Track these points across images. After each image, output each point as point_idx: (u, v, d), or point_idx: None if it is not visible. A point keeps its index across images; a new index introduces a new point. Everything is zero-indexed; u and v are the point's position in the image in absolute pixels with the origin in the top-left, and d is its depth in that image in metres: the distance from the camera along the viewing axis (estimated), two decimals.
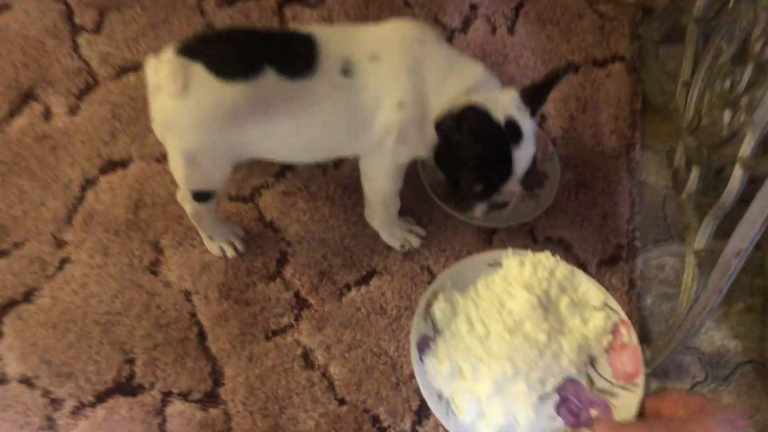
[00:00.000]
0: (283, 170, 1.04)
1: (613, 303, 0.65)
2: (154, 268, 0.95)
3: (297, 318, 0.94)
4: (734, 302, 1.01)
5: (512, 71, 1.15)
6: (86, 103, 1.06)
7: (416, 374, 0.62)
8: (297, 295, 0.95)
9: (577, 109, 1.12)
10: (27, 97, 1.06)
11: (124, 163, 1.02)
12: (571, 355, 0.63)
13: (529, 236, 1.02)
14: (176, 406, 0.87)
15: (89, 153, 1.02)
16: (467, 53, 0.95)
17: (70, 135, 1.03)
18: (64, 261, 0.95)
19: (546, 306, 0.65)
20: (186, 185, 0.83)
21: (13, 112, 1.05)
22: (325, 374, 0.90)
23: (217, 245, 0.95)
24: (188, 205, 0.89)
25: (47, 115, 1.05)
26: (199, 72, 0.74)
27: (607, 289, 0.91)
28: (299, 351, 0.91)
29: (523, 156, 0.83)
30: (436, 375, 0.63)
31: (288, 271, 0.97)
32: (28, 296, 0.92)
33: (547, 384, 0.62)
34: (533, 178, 1.04)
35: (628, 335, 0.64)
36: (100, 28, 1.13)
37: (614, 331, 0.65)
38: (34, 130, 1.03)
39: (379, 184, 0.89)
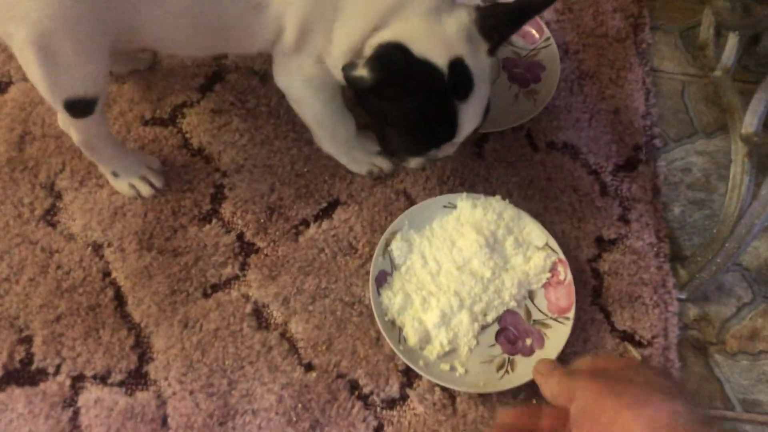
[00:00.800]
0: (211, 83, 0.81)
1: (553, 243, 0.73)
2: (50, 218, 0.73)
3: (243, 267, 0.73)
4: None
5: None
6: None
7: (373, 305, 0.69)
8: (240, 237, 0.74)
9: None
10: None
11: (1, 87, 0.79)
12: (512, 290, 0.71)
13: (528, 142, 0.82)
14: (92, 393, 0.67)
15: None
16: None
17: None
18: None
19: (492, 245, 0.72)
20: (52, 94, 0.60)
21: None
22: (284, 334, 0.70)
23: (126, 182, 0.73)
24: (72, 131, 0.66)
25: None
26: None
27: (628, 199, 0.75)
28: (249, 308, 0.71)
29: (471, 114, 0.64)
30: (390, 306, 0.70)
31: (226, 209, 0.75)
32: None
33: (489, 315, 0.71)
34: (527, 71, 0.84)
35: (564, 273, 0.72)
36: None
37: (552, 269, 0.73)
38: None
39: (304, 107, 0.68)
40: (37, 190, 0.74)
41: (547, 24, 0.88)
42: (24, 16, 0.54)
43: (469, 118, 0.63)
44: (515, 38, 0.86)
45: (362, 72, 0.57)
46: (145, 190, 0.74)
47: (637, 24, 0.90)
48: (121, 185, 0.74)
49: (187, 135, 0.79)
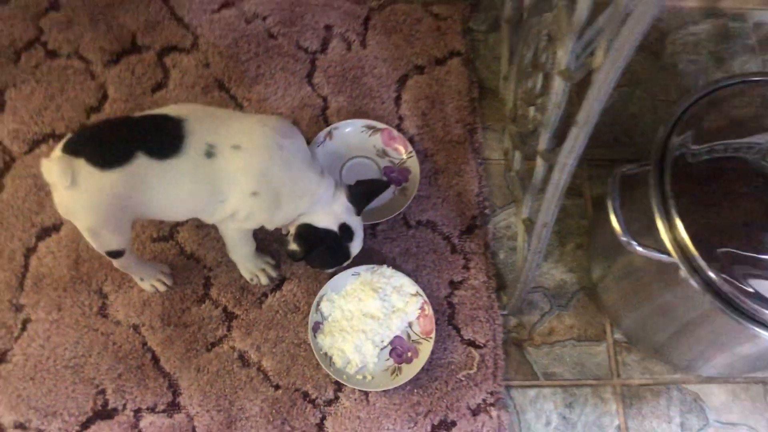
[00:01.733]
0: None
1: (420, 291, 1.17)
2: (103, 312, 1.16)
3: (228, 328, 1.17)
4: (567, 243, 1.30)
5: (370, 82, 1.37)
6: (8, 179, 1.22)
7: (312, 345, 1.13)
8: (225, 310, 1.18)
9: (427, 106, 1.36)
10: None
11: (56, 227, 1.20)
12: (398, 323, 1.16)
13: (404, 223, 1.27)
14: (147, 419, 1.10)
15: (23, 224, 1.19)
16: (316, 161, 1.08)
17: (2, 212, 1.20)
18: (25, 322, 1.14)
19: (383, 297, 1.17)
20: (99, 250, 1.03)
21: None
22: (260, 368, 1.15)
23: (148, 283, 1.16)
24: (113, 261, 1.09)
25: None
26: (82, 166, 0.91)
27: (469, 253, 1.21)
28: (236, 354, 1.15)
29: (356, 245, 1.11)
30: (322, 344, 1.14)
31: (214, 292, 1.19)
32: (2, 357, 1.12)
33: (384, 341, 1.16)
34: (400, 174, 1.28)
35: (428, 309, 1.17)
36: (3, 108, 1.28)
37: (421, 307, 1.18)
38: None
39: (231, 243, 1.12)
40: (92, 295, 1.16)
41: (411, 139, 1.32)
42: (80, 219, 0.95)
43: (355, 248, 1.10)
44: (391, 152, 1.30)
45: (293, 247, 1.04)
46: (161, 287, 1.17)
47: (472, 129, 1.35)
48: (145, 285, 1.16)
49: (182, 245, 1.22)
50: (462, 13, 1.45)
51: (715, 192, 1.01)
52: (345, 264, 1.14)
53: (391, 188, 1.27)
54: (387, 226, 1.26)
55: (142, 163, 0.93)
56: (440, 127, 1.35)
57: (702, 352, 1.15)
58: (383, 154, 1.30)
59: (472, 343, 1.19)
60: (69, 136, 0.94)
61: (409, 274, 1.20)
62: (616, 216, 0.99)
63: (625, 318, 1.22)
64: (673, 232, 0.98)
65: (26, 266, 1.17)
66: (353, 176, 1.26)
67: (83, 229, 0.98)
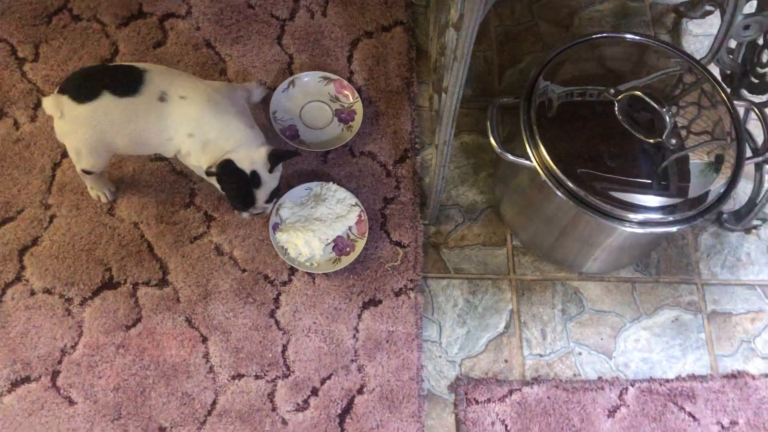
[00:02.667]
0: None
1: (359, 202, 1.49)
2: (111, 212, 1.50)
3: (208, 227, 1.50)
4: (480, 172, 1.63)
5: (328, 44, 1.71)
6: (40, 112, 1.57)
7: (272, 240, 1.43)
8: (205, 213, 1.51)
9: (373, 64, 1.69)
10: (0, 114, 1.56)
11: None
12: (339, 226, 1.48)
13: (350, 153, 1.60)
14: (142, 290, 1.44)
15: (51, 145, 1.54)
16: (244, 117, 1.36)
17: (35, 135, 1.55)
18: (52, 217, 1.48)
19: (329, 207, 1.50)
20: (77, 167, 1.36)
21: None
22: (231, 257, 1.48)
23: (95, 192, 1.48)
24: (81, 175, 1.42)
25: (16, 124, 1.56)
26: (66, 101, 1.25)
27: (400, 177, 1.53)
28: (212, 246, 1.49)
29: (262, 194, 1.34)
30: (280, 239, 1.45)
31: (197, 200, 1.52)
32: (34, 242, 1.46)
33: (328, 239, 1.47)
34: (347, 115, 1.62)
35: (364, 215, 1.48)
36: (37, 58, 1.62)
37: (359, 214, 1.49)
38: (10, 137, 1.54)
39: (197, 174, 1.43)
40: (100, 200, 1.51)
41: (359, 89, 1.66)
42: (68, 141, 1.29)
43: (261, 197, 1.36)
44: (342, 98, 1.63)
45: (212, 169, 1.30)
46: (103, 198, 1.48)
47: (409, 82, 1.68)
48: (92, 193, 1.47)
49: (173, 164, 1.55)
50: None
51: (570, 125, 1.34)
52: (253, 210, 1.39)
53: (340, 125, 1.61)
54: (336, 154, 1.59)
55: (107, 99, 1.25)
56: (383, 80, 1.68)
57: (579, 251, 1.47)
58: (335, 99, 1.63)
59: (398, 244, 1.52)
60: (64, 79, 1.29)
61: (351, 191, 1.53)
62: (493, 134, 1.32)
63: (520, 228, 1.55)
64: (537, 150, 1.30)
65: (53, 176, 1.52)
66: (310, 117, 1.60)
67: (70, 149, 1.32)
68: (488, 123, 1.32)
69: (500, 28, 1.79)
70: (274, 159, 1.34)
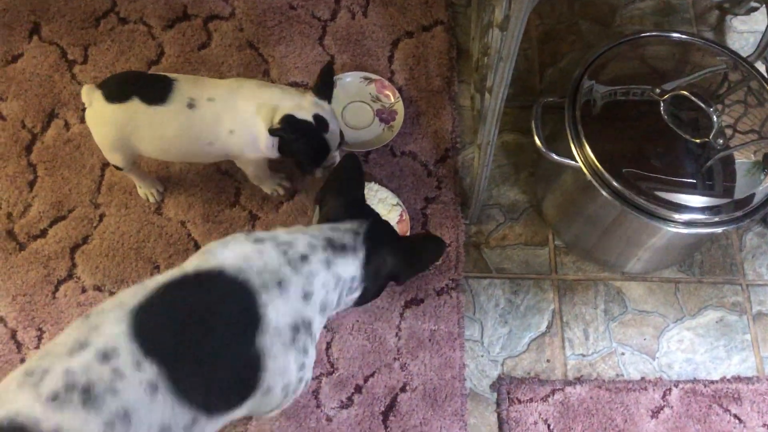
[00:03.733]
0: None
1: (400, 202, 1.49)
2: (159, 211, 1.53)
3: (253, 225, 1.53)
4: (521, 171, 1.63)
5: (369, 44, 1.72)
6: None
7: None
8: (250, 212, 1.54)
9: (413, 63, 1.70)
10: (51, 116, 1.60)
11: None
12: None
13: (391, 153, 1.62)
14: None
15: None
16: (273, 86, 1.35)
17: (85, 136, 1.59)
18: (101, 216, 1.52)
19: (374, 205, 1.43)
20: (108, 159, 1.39)
21: (45, 128, 1.59)
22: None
23: (143, 192, 1.51)
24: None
25: (67, 125, 1.60)
26: (98, 96, 1.28)
27: (441, 177, 1.54)
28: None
29: (332, 137, 1.32)
30: None
31: (242, 199, 1.55)
32: (85, 240, 1.50)
33: None
34: (389, 115, 1.63)
35: (406, 215, 1.49)
36: (86, 60, 1.66)
37: (400, 214, 1.49)
38: (61, 137, 1.58)
39: (248, 172, 1.44)
40: (149, 200, 1.54)
41: (400, 88, 1.67)
42: (93, 132, 1.32)
43: (333, 140, 1.35)
44: (383, 98, 1.65)
45: (279, 128, 1.28)
46: (152, 198, 1.51)
47: (450, 81, 1.69)
48: (141, 192, 1.51)
49: (219, 165, 1.58)
50: None
51: (615, 125, 1.33)
52: (329, 160, 1.37)
53: (381, 125, 1.62)
54: (377, 154, 1.61)
55: (135, 104, 1.28)
56: (424, 80, 1.69)
57: (622, 251, 1.46)
58: (376, 99, 1.65)
59: None
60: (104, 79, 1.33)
61: (392, 190, 1.54)
62: (538, 134, 1.32)
63: (562, 228, 1.55)
64: (582, 150, 1.30)
65: (102, 176, 1.55)
66: (352, 117, 1.62)
67: (95, 139, 1.35)
68: (533, 123, 1.33)
69: (541, 26, 1.78)
70: (324, 89, 1.32)
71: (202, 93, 1.31)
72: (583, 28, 1.79)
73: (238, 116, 1.31)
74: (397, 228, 1.49)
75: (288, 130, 1.28)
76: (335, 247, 1.08)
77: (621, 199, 1.28)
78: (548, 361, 1.45)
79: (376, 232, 1.14)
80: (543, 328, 1.48)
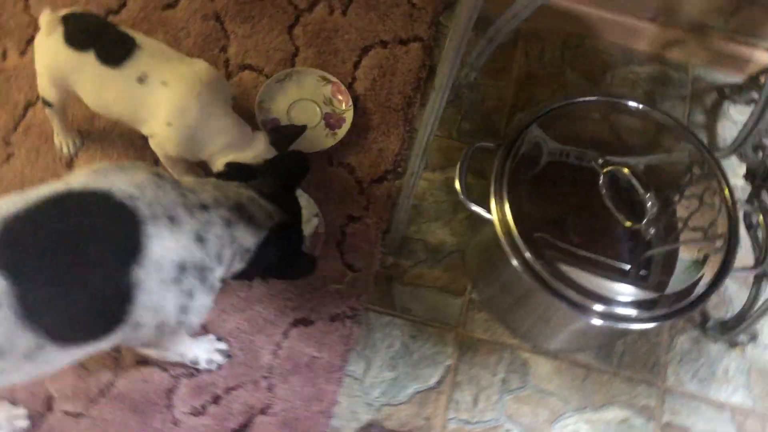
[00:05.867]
0: None
1: (319, 212, 1.40)
2: (70, 164, 1.45)
3: None
4: (459, 212, 1.52)
5: (339, 44, 1.62)
6: (31, 48, 1.54)
7: None
8: None
9: (379, 75, 1.60)
10: None
11: None
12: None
13: (328, 161, 1.52)
14: None
15: (32, 83, 1.50)
16: (230, 115, 1.29)
17: (20, 70, 1.51)
18: (9, 156, 1.44)
19: None
20: (39, 90, 1.32)
21: None
22: None
23: (60, 140, 1.43)
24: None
25: (5, 55, 1.53)
26: (58, 32, 1.21)
27: (372, 198, 1.44)
28: None
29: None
30: None
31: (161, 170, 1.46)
32: None
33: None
34: (336, 122, 1.53)
35: (322, 229, 1.41)
36: None
37: (317, 226, 1.40)
38: None
39: (160, 155, 1.33)
40: (62, 151, 1.46)
41: (357, 96, 1.57)
42: (37, 58, 1.25)
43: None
44: (335, 102, 1.55)
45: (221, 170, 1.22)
46: (65, 150, 1.43)
47: (410, 102, 1.58)
48: (56, 141, 1.43)
49: None
50: (435, 8, 1.68)
51: (550, 188, 1.22)
52: None
53: (326, 130, 1.52)
54: (313, 159, 1.51)
55: (89, 57, 1.21)
56: (384, 94, 1.59)
57: (534, 325, 1.35)
58: (329, 102, 1.55)
59: (349, 266, 1.42)
60: (76, 10, 1.24)
61: (315, 200, 1.44)
62: (460, 177, 1.21)
63: (480, 283, 1.43)
64: (501, 205, 1.18)
65: (23, 116, 1.48)
66: (298, 114, 1.53)
67: (36, 65, 1.28)
68: (459, 164, 1.22)
69: (525, 66, 1.67)
70: (281, 143, 1.32)
71: (159, 72, 1.23)
72: (569, 78, 1.67)
73: (185, 119, 1.24)
74: (307, 241, 1.39)
75: (230, 170, 1.22)
76: (242, 214, 1.08)
77: (531, 273, 1.15)
78: (427, 419, 1.34)
79: (287, 230, 1.16)
80: (432, 382, 1.37)
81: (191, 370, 1.31)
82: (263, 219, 1.13)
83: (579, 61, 1.69)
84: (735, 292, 1.48)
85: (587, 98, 1.30)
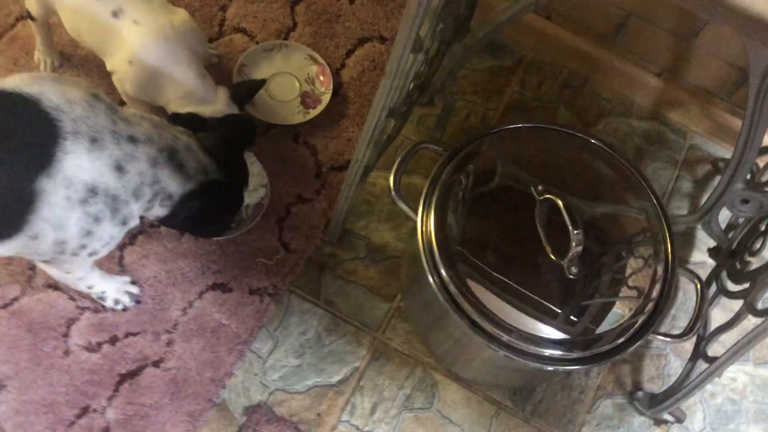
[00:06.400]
0: None
1: (268, 183, 1.39)
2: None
3: None
4: (411, 221, 1.47)
5: (338, 28, 1.61)
6: None
7: None
8: None
9: (369, 67, 1.58)
10: None
11: None
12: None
13: (293, 138, 1.49)
14: None
15: None
16: (195, 66, 1.26)
17: None
18: None
19: None
20: (24, 0, 1.33)
21: None
22: None
23: (39, 56, 1.44)
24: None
25: None
26: None
27: (327, 184, 1.40)
28: None
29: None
30: None
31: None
32: None
33: None
34: (312, 102, 1.51)
35: (267, 201, 1.24)
36: None
37: (263, 198, 1.21)
38: None
39: (120, 90, 1.32)
40: (49, 61, 1.47)
41: (341, 83, 1.55)
42: None
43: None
44: (317, 83, 1.53)
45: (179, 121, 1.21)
46: (42, 66, 1.45)
47: None
48: (36, 56, 1.44)
49: None
50: None
51: (486, 203, 1.17)
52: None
53: (299, 107, 1.50)
54: (278, 132, 1.49)
55: None
56: (368, 88, 1.56)
57: (450, 348, 1.29)
58: (310, 81, 1.53)
59: (285, 245, 1.39)
60: None
61: (269, 172, 1.41)
62: (396, 172, 1.17)
63: (408, 296, 1.38)
64: (428, 211, 1.13)
65: (13, 27, 1.50)
66: (276, 87, 1.51)
67: None
68: (398, 160, 1.18)
69: (518, 94, 1.63)
70: (241, 97, 1.31)
71: (135, 10, 1.22)
72: (561, 115, 1.62)
73: (146, 60, 1.23)
74: (251, 209, 1.37)
75: (182, 119, 1.21)
76: (172, 159, 1.08)
77: (446, 294, 1.10)
78: (319, 415, 1.29)
79: (218, 189, 1.15)
80: (335, 380, 1.32)
81: (98, 305, 1.29)
82: (195, 171, 1.11)
83: (576, 101, 1.64)
84: (675, 369, 1.41)
85: (557, 126, 1.25)
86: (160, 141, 1.07)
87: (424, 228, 1.13)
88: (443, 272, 1.10)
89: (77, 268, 1.15)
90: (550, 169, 1.23)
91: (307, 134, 1.50)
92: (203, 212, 1.14)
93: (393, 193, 1.16)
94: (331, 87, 1.52)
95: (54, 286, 1.29)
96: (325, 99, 1.51)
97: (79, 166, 0.96)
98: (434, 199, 1.14)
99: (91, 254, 1.07)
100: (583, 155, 1.25)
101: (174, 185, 1.09)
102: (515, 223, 1.16)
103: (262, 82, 1.37)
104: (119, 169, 1.01)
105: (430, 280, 1.11)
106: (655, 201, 1.22)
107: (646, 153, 1.62)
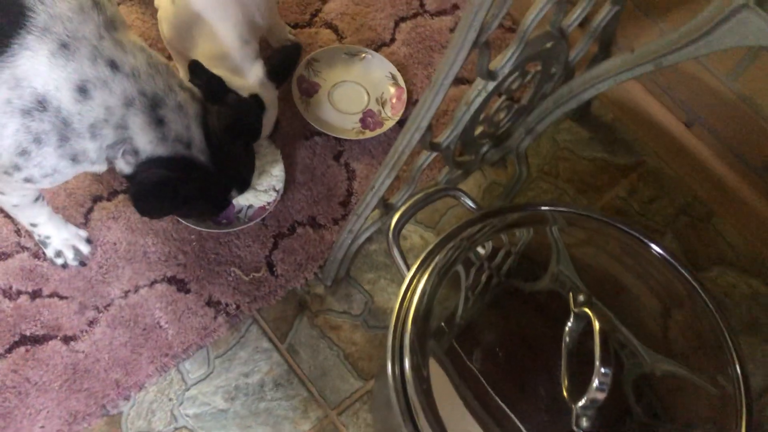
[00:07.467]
0: None
1: (281, 190, 1.19)
2: None
3: None
4: None
5: (436, 59, 1.38)
6: None
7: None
8: None
9: (452, 109, 1.33)
10: None
11: None
12: (242, 200, 1.16)
13: (334, 156, 1.26)
14: None
15: None
16: (248, 32, 1.10)
17: None
18: None
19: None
20: None
21: None
22: None
23: None
24: None
25: None
26: None
27: (348, 216, 1.16)
28: None
29: (267, 120, 1.11)
30: None
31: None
32: None
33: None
34: (372, 123, 1.29)
35: (270, 209, 1.00)
36: None
37: (268, 203, 1.18)
38: None
39: (162, 33, 1.17)
40: None
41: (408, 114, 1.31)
42: None
43: (266, 123, 1.11)
44: (388, 106, 1.30)
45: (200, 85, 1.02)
46: None
47: None
48: None
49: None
50: None
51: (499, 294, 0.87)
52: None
53: (357, 123, 1.28)
54: (323, 141, 1.26)
55: None
56: (440, 130, 1.31)
57: None
58: (382, 102, 1.31)
59: (270, 264, 1.15)
60: None
61: (288, 179, 1.19)
62: (403, 213, 0.89)
63: (378, 380, 1.08)
64: (420, 275, 0.85)
65: None
66: (342, 95, 1.30)
67: None
68: (411, 200, 0.90)
69: (621, 201, 1.31)
70: (279, 75, 1.13)
71: None
72: (666, 244, 1.28)
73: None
74: (252, 211, 1.14)
75: (210, 96, 1.00)
76: (153, 110, 0.90)
77: (402, 398, 0.80)
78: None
79: (194, 172, 0.96)
80: None
81: (38, 251, 1.10)
82: (175, 137, 0.92)
83: (690, 235, 1.29)
84: None
85: (658, 248, 0.92)
86: (147, 82, 0.89)
87: (409, 294, 0.84)
88: (406, 363, 0.80)
89: (11, 191, 0.97)
90: (621, 295, 0.90)
91: (352, 156, 1.26)
92: (159, 188, 0.92)
93: (390, 234, 0.88)
94: (400, 115, 1.28)
95: (8, 217, 1.12)
96: (388, 125, 1.28)
97: (33, 68, 0.82)
98: (437, 259, 0.85)
99: (27, 180, 0.89)
100: (671, 295, 0.91)
101: (143, 140, 0.90)
102: (534, 330, 0.85)
103: (297, 49, 1.17)
104: (82, 90, 0.84)
105: (389, 369, 0.81)
106: (741, 381, 0.85)
107: (762, 329, 1.23)
